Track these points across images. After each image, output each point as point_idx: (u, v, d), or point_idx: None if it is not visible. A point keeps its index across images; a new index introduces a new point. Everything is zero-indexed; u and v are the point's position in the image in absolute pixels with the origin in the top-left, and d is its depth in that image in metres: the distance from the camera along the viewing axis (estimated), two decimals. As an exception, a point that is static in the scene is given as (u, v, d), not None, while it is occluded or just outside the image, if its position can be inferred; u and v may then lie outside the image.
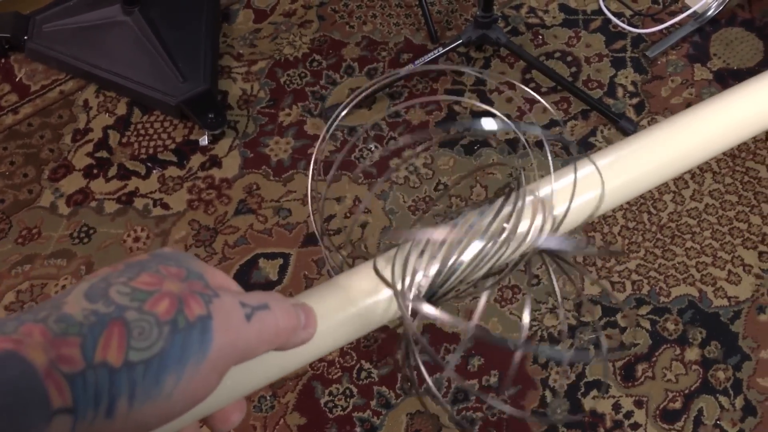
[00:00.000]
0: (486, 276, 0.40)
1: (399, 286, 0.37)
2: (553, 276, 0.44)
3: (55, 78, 1.47)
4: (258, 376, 0.35)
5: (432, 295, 0.39)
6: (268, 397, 1.16)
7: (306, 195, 1.34)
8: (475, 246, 0.38)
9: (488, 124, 0.40)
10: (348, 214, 1.32)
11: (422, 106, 1.43)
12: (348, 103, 0.48)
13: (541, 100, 0.47)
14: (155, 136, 1.41)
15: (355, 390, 1.17)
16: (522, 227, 0.40)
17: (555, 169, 0.42)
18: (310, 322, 0.34)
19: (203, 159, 1.38)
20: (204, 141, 1.38)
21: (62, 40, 1.45)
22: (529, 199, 0.41)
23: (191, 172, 1.37)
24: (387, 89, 1.44)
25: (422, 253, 0.38)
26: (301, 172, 1.36)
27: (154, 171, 1.37)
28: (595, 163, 0.42)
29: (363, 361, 1.19)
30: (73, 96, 1.46)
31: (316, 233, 0.44)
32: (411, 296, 0.37)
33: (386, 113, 1.41)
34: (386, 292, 0.38)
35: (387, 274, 0.38)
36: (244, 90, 1.46)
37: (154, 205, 1.33)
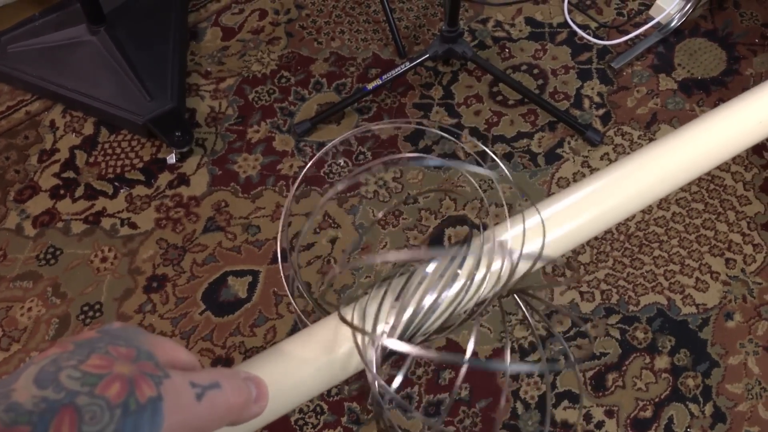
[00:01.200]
0: (446, 326, 0.41)
1: (364, 337, 0.38)
2: (527, 312, 0.45)
3: (20, 99, 1.46)
4: None
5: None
6: (238, 416, 1.15)
7: (274, 211, 1.33)
8: (433, 296, 0.39)
9: (434, 161, 0.41)
10: (317, 230, 1.31)
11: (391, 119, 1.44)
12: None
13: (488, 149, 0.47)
14: (122, 156, 1.40)
15: (325, 407, 1.16)
16: (480, 273, 0.40)
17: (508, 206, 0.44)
18: (262, 395, 0.35)
19: (171, 177, 1.37)
20: (172, 159, 1.38)
21: (28, 61, 1.44)
22: (488, 246, 0.42)
23: (159, 190, 1.36)
24: (356, 104, 1.45)
25: (383, 300, 0.39)
26: (270, 188, 1.36)
27: (122, 190, 1.36)
28: (539, 212, 0.43)
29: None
30: (39, 117, 1.45)
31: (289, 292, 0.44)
32: (378, 338, 0.37)
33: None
34: (344, 348, 0.38)
35: (346, 328, 0.38)
36: (212, 107, 1.46)
37: (122, 225, 1.32)
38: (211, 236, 1.31)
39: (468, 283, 0.40)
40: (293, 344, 0.38)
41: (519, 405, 1.17)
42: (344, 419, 1.15)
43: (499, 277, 0.41)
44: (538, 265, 0.43)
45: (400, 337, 0.38)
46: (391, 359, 0.39)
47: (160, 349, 0.31)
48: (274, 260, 1.29)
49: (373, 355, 0.37)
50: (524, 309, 0.45)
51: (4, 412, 0.25)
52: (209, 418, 0.30)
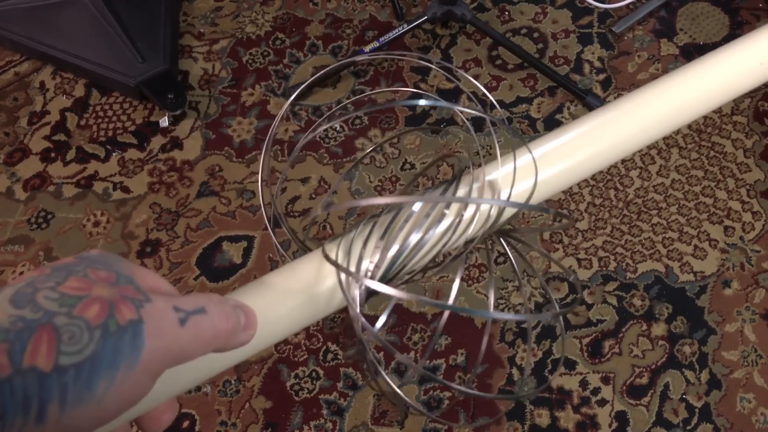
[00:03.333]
0: (435, 262, 0.40)
1: (346, 272, 0.36)
2: (510, 255, 0.44)
3: (9, 59, 1.43)
4: (188, 378, 0.34)
5: (382, 280, 0.38)
6: (233, 381, 1.15)
7: (269, 177, 1.31)
8: (417, 234, 0.38)
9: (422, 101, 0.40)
10: (313, 195, 1.30)
11: (388, 84, 1.41)
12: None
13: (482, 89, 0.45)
14: (114, 118, 1.37)
15: (321, 372, 1.16)
16: (469, 212, 0.39)
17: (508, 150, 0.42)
18: (250, 323, 0.34)
19: (164, 141, 1.35)
20: (164, 122, 1.35)
21: (16, 20, 1.40)
22: (476, 185, 0.40)
23: (152, 154, 1.33)
24: (352, 67, 1.42)
25: (368, 237, 0.38)
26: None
27: (114, 154, 1.33)
28: (531, 152, 0.42)
29: (329, 343, 1.18)
30: (29, 78, 1.41)
31: (268, 227, 0.43)
32: (361, 278, 0.36)
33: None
34: (328, 283, 0.37)
35: (330, 264, 0.37)
36: (205, 70, 1.43)
37: (114, 189, 1.30)
38: (205, 201, 1.29)
39: (456, 221, 0.38)
40: (278, 277, 0.37)
41: (515, 371, 1.17)
42: (340, 384, 1.15)
43: (488, 217, 0.40)
44: (529, 206, 0.41)
45: (384, 276, 0.37)
46: (373, 297, 0.38)
47: (140, 276, 0.30)
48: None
49: (356, 293, 0.36)
50: (509, 252, 0.44)
51: None
52: (193, 343, 0.30)
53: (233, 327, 0.32)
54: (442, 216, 0.38)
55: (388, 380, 0.37)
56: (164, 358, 0.28)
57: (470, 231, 0.40)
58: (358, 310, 0.36)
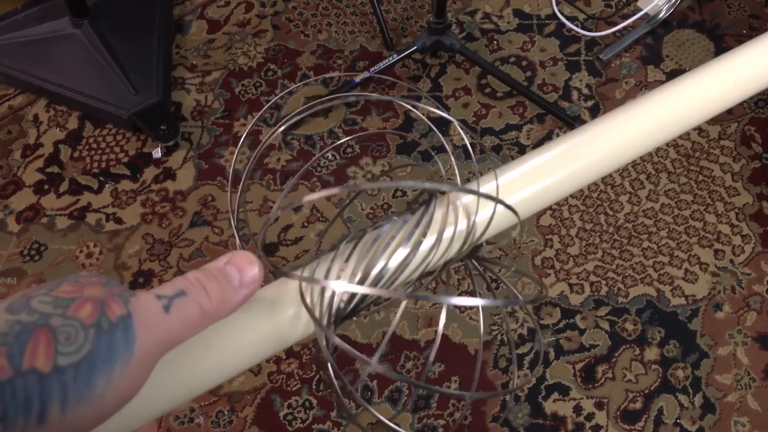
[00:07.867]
0: (408, 283, 0.40)
1: (317, 310, 0.37)
2: (484, 276, 0.44)
3: (3, 93, 1.44)
4: (165, 401, 0.34)
5: (354, 308, 0.38)
6: (226, 412, 1.14)
7: (261, 205, 1.32)
8: (398, 255, 0.38)
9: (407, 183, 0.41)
10: (306, 224, 1.30)
11: (378, 112, 1.43)
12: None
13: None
14: (107, 150, 1.38)
15: (314, 402, 1.16)
16: (445, 234, 0.39)
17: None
18: (246, 279, 0.33)
19: (157, 172, 1.36)
20: (157, 153, 1.36)
21: (10, 54, 1.42)
22: (449, 207, 0.41)
23: (145, 185, 1.34)
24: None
25: (347, 261, 0.38)
26: (257, 182, 1.35)
27: (107, 185, 1.34)
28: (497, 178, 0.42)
29: (323, 372, 1.17)
30: (23, 111, 1.43)
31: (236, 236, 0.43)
32: (327, 318, 0.36)
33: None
34: (294, 311, 0.37)
35: (306, 294, 0.37)
36: (198, 101, 1.44)
37: (107, 220, 1.31)
38: (197, 231, 1.30)
39: (438, 241, 0.39)
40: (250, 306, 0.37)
41: (508, 397, 1.17)
42: (333, 413, 1.15)
43: (466, 238, 0.40)
44: (497, 228, 0.42)
45: (346, 309, 0.37)
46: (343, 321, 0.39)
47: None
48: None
49: (323, 343, 0.36)
50: (482, 274, 0.44)
51: None
52: (182, 326, 0.30)
53: (220, 297, 0.32)
54: (422, 240, 0.39)
55: (361, 425, 0.38)
56: (156, 347, 0.29)
57: (450, 251, 0.40)
58: (330, 361, 0.36)
